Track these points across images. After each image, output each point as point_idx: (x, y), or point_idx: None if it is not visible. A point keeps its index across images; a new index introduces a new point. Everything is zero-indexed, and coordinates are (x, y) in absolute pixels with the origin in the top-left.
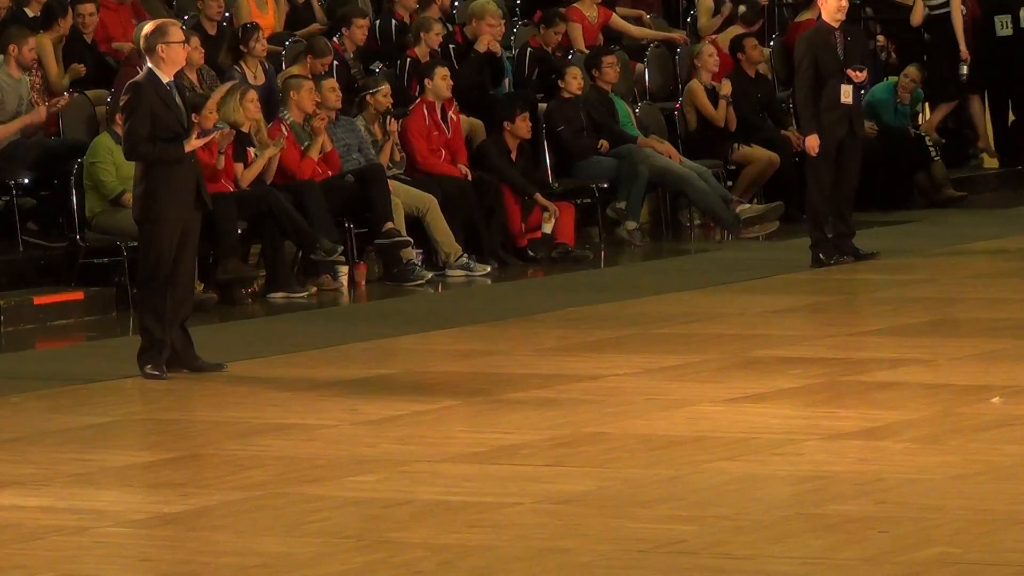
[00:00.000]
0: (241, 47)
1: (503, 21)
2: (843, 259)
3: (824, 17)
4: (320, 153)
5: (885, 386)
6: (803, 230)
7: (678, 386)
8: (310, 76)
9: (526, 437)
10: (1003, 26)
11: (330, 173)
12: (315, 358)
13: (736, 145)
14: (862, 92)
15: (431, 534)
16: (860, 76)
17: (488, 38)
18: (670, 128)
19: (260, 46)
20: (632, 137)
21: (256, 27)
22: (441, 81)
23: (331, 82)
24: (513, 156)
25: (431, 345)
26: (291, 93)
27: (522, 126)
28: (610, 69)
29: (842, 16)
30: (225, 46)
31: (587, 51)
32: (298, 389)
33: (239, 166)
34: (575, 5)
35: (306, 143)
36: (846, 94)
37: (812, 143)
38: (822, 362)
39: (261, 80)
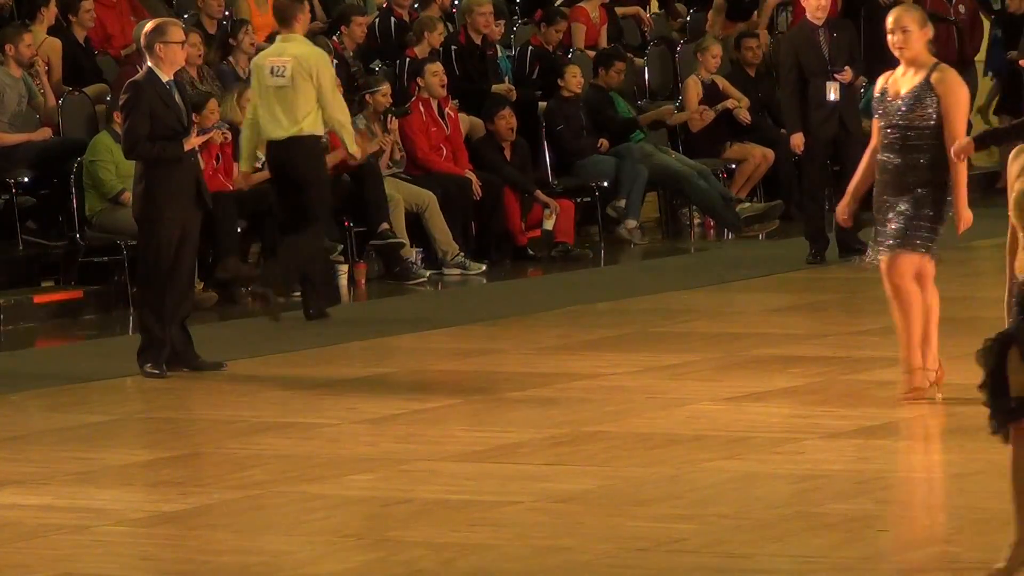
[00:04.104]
0: (230, 41)
1: (489, 15)
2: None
3: (807, 16)
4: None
5: (885, 384)
6: (803, 229)
7: (677, 385)
8: None
9: (526, 436)
10: None
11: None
12: (314, 357)
13: (727, 144)
14: (861, 90)
15: (431, 533)
16: (845, 78)
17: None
18: (669, 126)
19: (248, 40)
20: (630, 119)
21: (245, 22)
22: (432, 78)
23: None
24: (507, 154)
25: (431, 344)
26: None
27: (501, 124)
28: (616, 74)
29: (822, 14)
30: (215, 43)
31: (587, 50)
32: (298, 388)
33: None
34: (580, 5)
35: None
36: (833, 91)
37: (796, 141)
38: (822, 361)
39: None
